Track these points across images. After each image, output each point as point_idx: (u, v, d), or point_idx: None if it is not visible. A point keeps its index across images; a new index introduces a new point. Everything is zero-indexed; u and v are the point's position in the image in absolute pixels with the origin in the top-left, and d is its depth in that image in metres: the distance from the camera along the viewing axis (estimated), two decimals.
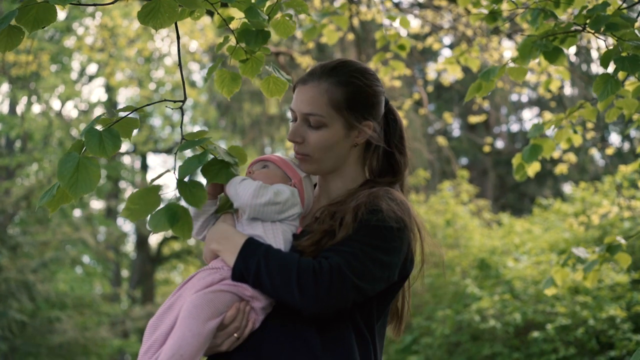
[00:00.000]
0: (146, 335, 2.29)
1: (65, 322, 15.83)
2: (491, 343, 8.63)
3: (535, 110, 21.84)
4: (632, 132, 18.69)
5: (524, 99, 21.38)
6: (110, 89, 21.60)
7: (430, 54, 19.08)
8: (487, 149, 13.10)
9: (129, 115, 2.25)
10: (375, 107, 2.54)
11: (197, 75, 22.81)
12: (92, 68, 21.49)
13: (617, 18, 3.23)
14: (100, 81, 21.83)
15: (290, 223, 2.42)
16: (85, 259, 22.80)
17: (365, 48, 12.33)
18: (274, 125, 18.70)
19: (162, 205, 2.06)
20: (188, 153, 2.27)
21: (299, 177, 2.49)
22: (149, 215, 2.03)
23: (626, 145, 19.41)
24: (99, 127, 2.14)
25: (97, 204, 23.24)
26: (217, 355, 2.33)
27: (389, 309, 2.54)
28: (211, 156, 2.22)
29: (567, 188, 21.03)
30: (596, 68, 15.88)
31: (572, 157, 8.55)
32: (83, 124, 19.90)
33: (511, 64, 3.73)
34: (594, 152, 17.41)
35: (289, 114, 2.66)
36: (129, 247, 25.87)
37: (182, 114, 2.27)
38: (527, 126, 22.70)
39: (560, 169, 8.29)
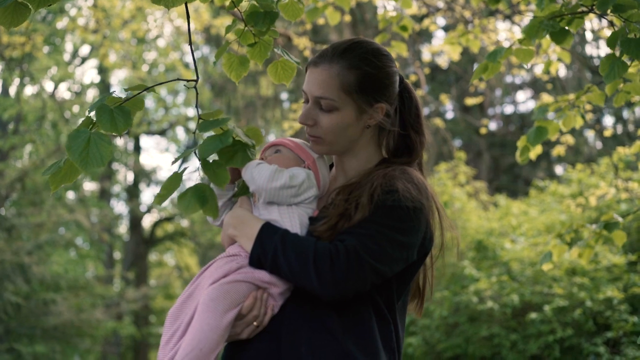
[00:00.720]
0: (167, 325, 2.30)
1: (60, 304, 15.84)
2: (489, 324, 8.65)
3: (530, 92, 21.85)
4: (625, 114, 18.72)
5: (518, 80, 21.37)
6: (103, 71, 21.49)
7: (426, 36, 19.04)
8: (483, 130, 13.11)
9: (136, 97, 2.23)
10: (388, 89, 2.52)
11: (190, 56, 22.74)
12: (84, 49, 21.40)
13: None
14: (93, 63, 21.74)
15: (306, 206, 2.41)
16: (79, 241, 22.79)
17: (362, 29, 12.30)
18: (268, 107, 18.65)
19: (184, 188, 2.06)
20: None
21: (312, 158, 2.49)
22: (178, 198, 2.03)
23: (619, 128, 19.44)
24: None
25: (90, 186, 23.18)
26: (237, 341, 2.33)
27: (410, 288, 2.53)
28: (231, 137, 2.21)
29: (560, 170, 21.08)
30: (590, 49, 15.88)
31: (569, 138, 8.55)
32: (76, 105, 19.82)
33: (517, 45, 3.72)
34: (589, 135, 17.45)
35: (300, 98, 2.63)
36: (122, 229, 25.85)
37: (197, 93, 2.25)
38: (522, 108, 22.73)
39: (558, 150, 8.29)
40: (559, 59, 4.89)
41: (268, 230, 2.30)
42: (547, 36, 3.57)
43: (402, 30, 4.87)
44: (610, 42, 3.12)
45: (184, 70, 16.79)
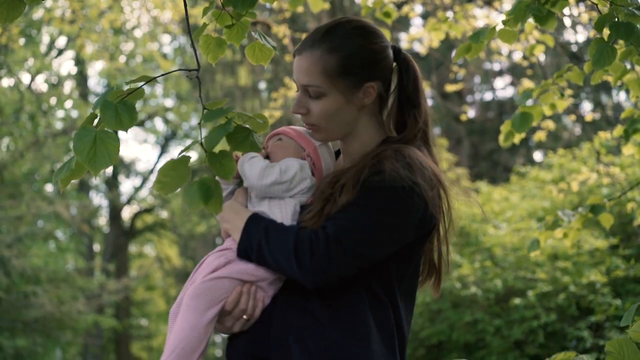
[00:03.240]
0: (169, 323, 2.30)
1: (41, 296, 15.76)
2: (472, 310, 8.69)
3: (508, 78, 21.90)
4: (604, 100, 18.82)
5: (497, 67, 21.42)
6: (80, 62, 21.34)
7: (404, 24, 19.03)
8: (464, 117, 13.11)
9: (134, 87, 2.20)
10: (376, 66, 2.44)
11: (168, 47, 22.62)
12: (61, 41, 21.23)
13: None
14: (70, 54, 21.58)
15: (301, 196, 2.39)
16: (58, 233, 22.65)
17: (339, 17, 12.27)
18: (247, 97, 18.58)
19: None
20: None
21: (314, 146, 2.46)
22: (183, 192, 2.00)
23: (597, 114, 19.53)
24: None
25: None
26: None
27: (418, 268, 2.48)
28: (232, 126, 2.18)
29: (539, 156, 21.18)
30: (568, 35, 15.92)
31: (550, 124, 8.58)
32: (53, 97, 19.67)
33: (501, 27, 3.70)
34: (568, 120, 17.52)
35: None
36: (102, 221, 25.72)
37: (200, 83, 2.21)
38: (500, 94, 22.78)
39: (539, 136, 8.30)
40: (542, 42, 4.88)
41: (253, 222, 2.29)
42: (531, 19, 3.55)
43: (385, 17, 4.85)
44: (598, 26, 3.10)
45: (162, 61, 16.69)
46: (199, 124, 2.10)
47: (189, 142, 24.78)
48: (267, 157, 2.43)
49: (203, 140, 2.04)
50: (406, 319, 2.43)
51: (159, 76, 2.21)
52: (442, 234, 2.48)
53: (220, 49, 2.74)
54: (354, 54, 2.40)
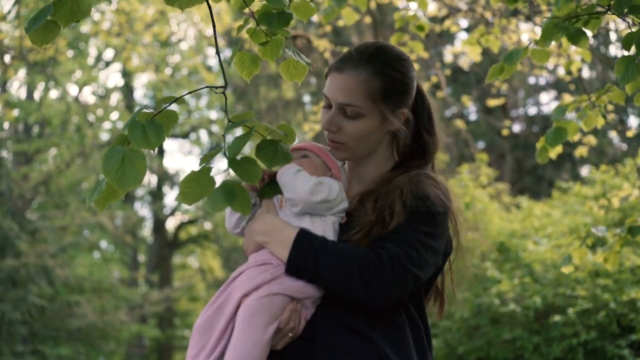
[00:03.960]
0: (194, 337, 2.29)
1: (84, 306, 15.95)
2: (511, 327, 8.61)
3: (553, 93, 21.70)
4: None
5: (542, 81, 21.23)
6: (126, 74, 21.61)
7: (447, 37, 18.98)
8: (505, 132, 13.03)
9: (170, 108, 2.23)
10: (410, 94, 2.53)
11: (213, 60, 22.80)
12: (108, 53, 21.52)
13: None
14: (117, 66, 21.85)
15: (337, 216, 2.41)
16: (103, 243, 22.91)
17: (383, 31, 12.28)
18: (290, 110, 18.67)
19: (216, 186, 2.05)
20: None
21: (337, 167, 2.48)
22: (207, 198, 2.02)
23: None
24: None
25: None
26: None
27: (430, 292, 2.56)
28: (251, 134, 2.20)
29: (585, 171, 20.92)
30: (614, 50, 15.75)
31: (592, 139, 8.49)
32: (100, 109, 19.95)
33: (533, 46, 3.69)
34: (613, 135, 17.31)
35: (316, 101, 2.61)
36: (146, 231, 25.95)
37: (225, 99, 2.24)
38: (545, 109, 22.54)
39: (580, 151, 8.22)
40: (582, 59, 4.85)
41: (306, 238, 2.29)
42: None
43: (419, 30, 4.86)
44: (626, 44, 3.09)
45: (206, 73, 16.87)
46: (223, 135, 2.12)
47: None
48: None
49: (226, 149, 2.06)
50: (431, 339, 2.49)
51: (185, 94, 2.23)
52: (453, 258, 2.58)
53: (255, 66, 2.76)
54: (396, 80, 2.47)
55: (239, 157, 2.09)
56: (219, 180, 2.07)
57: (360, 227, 2.33)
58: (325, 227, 2.35)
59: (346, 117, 2.44)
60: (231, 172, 2.07)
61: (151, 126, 2.07)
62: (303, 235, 2.29)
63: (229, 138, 2.09)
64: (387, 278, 2.20)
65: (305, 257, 2.25)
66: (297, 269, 2.27)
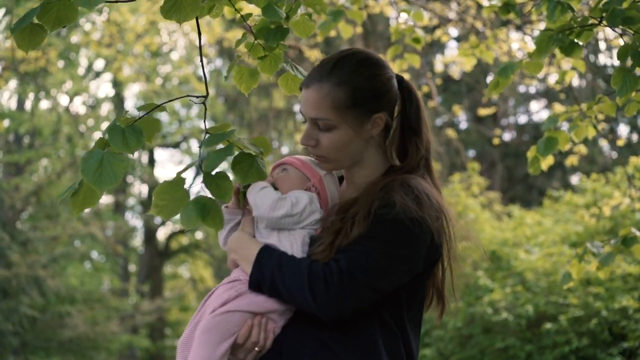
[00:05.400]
0: (179, 352, 2.33)
1: (76, 316, 15.91)
2: (503, 335, 8.63)
3: (543, 102, 21.78)
4: None
5: (532, 90, 21.31)
6: (117, 84, 21.61)
7: (437, 47, 19.04)
8: (496, 141, 13.10)
9: (151, 116, 2.25)
10: (384, 97, 2.49)
11: (202, 71, 22.79)
12: (99, 64, 21.52)
13: (633, 12, 3.22)
14: (107, 77, 21.86)
15: (310, 227, 2.41)
16: (94, 254, 22.85)
17: (374, 41, 12.32)
18: (281, 119, 18.68)
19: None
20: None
21: (319, 176, 2.48)
22: (180, 214, 2.04)
23: (635, 137, 19.36)
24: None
25: (105, 199, 23.25)
26: None
27: (424, 297, 2.53)
28: (235, 150, 2.23)
29: (576, 179, 20.99)
30: (604, 59, 15.84)
31: (582, 148, 8.54)
32: (91, 119, 19.94)
33: (526, 58, 3.72)
34: (603, 144, 17.37)
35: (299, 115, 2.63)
36: (137, 241, 25.91)
37: (205, 109, 2.27)
38: (535, 118, 22.63)
39: (571, 160, 8.27)
40: (574, 68, 4.89)
41: (265, 254, 2.32)
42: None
43: (414, 43, 4.89)
44: (621, 55, 3.13)
45: (197, 83, 16.86)
46: (200, 147, 2.15)
47: (224, 163, 24.91)
48: (273, 186, 2.44)
49: (202, 163, 2.09)
50: (415, 346, 2.47)
51: (164, 102, 2.27)
52: (447, 262, 2.53)
53: (254, 80, 2.79)
54: (362, 87, 2.44)
55: (213, 172, 2.12)
56: (192, 193, 2.10)
57: (323, 239, 2.35)
58: (293, 242, 2.36)
59: (320, 131, 2.44)
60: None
61: (131, 131, 2.13)
62: (263, 251, 2.32)
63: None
64: (336, 292, 2.20)
65: (264, 273, 2.28)
66: (258, 285, 2.31)
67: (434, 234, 2.36)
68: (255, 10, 3.06)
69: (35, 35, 2.22)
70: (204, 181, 2.08)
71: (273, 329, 2.33)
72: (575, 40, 3.43)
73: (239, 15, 2.74)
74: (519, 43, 9.04)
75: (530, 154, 4.33)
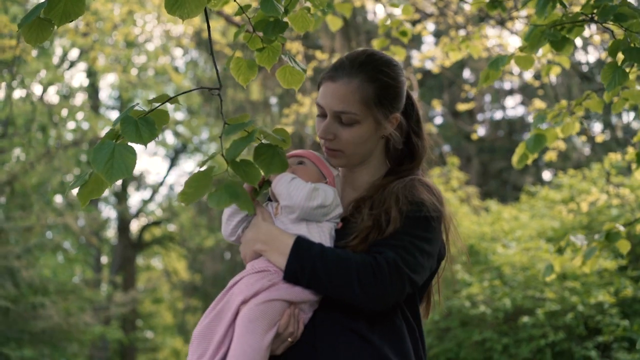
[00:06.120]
0: (194, 344, 2.31)
1: (49, 307, 15.78)
2: (480, 329, 8.69)
3: (518, 97, 21.90)
4: (613, 120, 18.78)
5: (507, 86, 21.43)
6: (91, 74, 21.43)
7: (416, 42, 19.09)
8: (474, 136, 13.17)
9: (161, 108, 2.25)
10: (402, 99, 2.58)
11: (180, 60, 22.71)
12: (73, 53, 21.33)
13: (624, 8, 3.26)
14: (82, 66, 21.67)
15: (333, 221, 2.44)
16: (66, 244, 22.67)
17: (353, 35, 12.33)
18: (258, 112, 18.64)
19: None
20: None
21: (333, 175, 2.52)
22: (208, 197, 2.04)
23: (607, 134, 19.53)
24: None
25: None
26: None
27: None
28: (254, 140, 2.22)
29: (548, 175, 21.15)
30: (579, 56, 15.97)
31: (561, 144, 8.61)
32: (65, 109, 19.75)
33: (518, 53, 3.75)
34: (577, 140, 17.52)
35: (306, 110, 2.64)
36: (110, 232, 25.75)
37: (221, 100, 2.27)
38: (510, 113, 22.77)
39: (550, 156, 8.33)
40: (558, 64, 4.93)
41: (303, 245, 2.33)
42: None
43: (401, 36, 4.91)
44: (612, 51, 3.16)
45: (174, 74, 16.79)
46: (220, 137, 2.15)
47: (199, 155, 24.85)
48: None
49: (224, 152, 2.09)
50: (424, 342, 2.53)
51: (179, 94, 2.26)
52: (445, 261, 2.63)
53: (252, 72, 2.78)
54: (388, 86, 2.52)
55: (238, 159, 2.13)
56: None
57: (357, 233, 2.37)
58: (322, 234, 2.38)
59: (341, 125, 2.49)
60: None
61: (144, 122, 2.12)
62: (300, 243, 2.33)
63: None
64: (385, 283, 2.23)
65: (303, 264, 2.29)
66: (295, 276, 2.30)
67: (444, 232, 2.49)
68: (253, 1, 3.07)
69: (43, 29, 2.21)
70: (232, 168, 2.08)
71: (303, 320, 2.34)
72: (567, 36, 3.46)
73: (237, 7, 2.73)
74: (496, 39, 9.09)
75: (519, 150, 4.37)
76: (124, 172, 2.04)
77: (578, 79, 15.28)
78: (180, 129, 24.36)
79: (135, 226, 25.40)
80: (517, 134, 21.88)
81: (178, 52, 19.70)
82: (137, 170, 26.29)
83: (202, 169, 2.09)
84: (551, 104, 11.00)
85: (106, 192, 24.15)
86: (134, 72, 19.99)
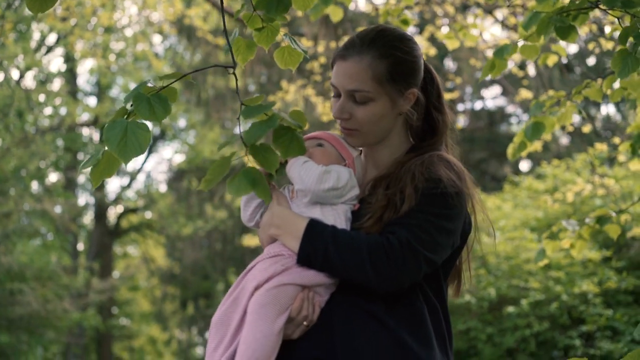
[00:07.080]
0: (212, 332, 2.28)
1: (28, 294, 15.68)
2: (465, 318, 8.73)
3: (497, 89, 21.96)
4: (592, 111, 18.90)
5: (487, 76, 21.44)
6: (69, 60, 21.23)
7: None
8: (458, 126, 13.16)
9: (171, 86, 2.22)
10: (418, 73, 2.52)
11: (159, 47, 22.57)
12: (51, 38, 21.13)
13: None
14: (59, 51, 21.46)
15: (349, 203, 2.41)
16: (43, 231, 22.49)
17: (341, 23, 12.27)
18: (237, 99, 18.57)
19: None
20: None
21: (352, 157, 2.48)
22: (228, 183, 2.02)
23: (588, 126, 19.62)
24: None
25: (55, 176, 22.87)
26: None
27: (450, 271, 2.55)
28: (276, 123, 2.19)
29: (525, 166, 21.28)
30: (565, 44, 16.01)
31: (546, 135, 8.63)
32: (42, 94, 19.56)
33: (521, 42, 3.72)
34: (557, 132, 17.60)
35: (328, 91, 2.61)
36: (87, 219, 25.57)
37: (236, 79, 2.24)
38: (489, 104, 22.83)
39: (535, 146, 8.35)
40: (556, 52, 4.92)
41: (316, 228, 2.29)
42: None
43: (403, 24, 4.89)
44: (622, 38, 3.14)
45: (154, 60, 16.67)
46: (238, 119, 2.12)
47: (177, 143, 24.72)
48: None
49: (242, 135, 2.06)
50: (449, 320, 2.50)
51: (191, 72, 2.23)
52: (472, 239, 2.57)
53: (250, 51, 2.74)
54: (401, 61, 2.46)
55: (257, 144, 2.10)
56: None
57: (371, 213, 2.34)
58: (337, 216, 2.35)
59: (356, 103, 2.45)
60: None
61: (157, 99, 2.08)
62: (313, 226, 2.30)
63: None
64: (398, 264, 2.20)
65: (316, 247, 2.26)
66: (308, 260, 2.28)
67: (466, 208, 2.41)
68: None
69: None
70: (251, 152, 2.05)
71: (319, 303, 2.31)
72: (573, 24, 3.44)
73: None
74: (478, 29, 9.08)
75: (517, 139, 4.36)
76: (137, 150, 2.01)
77: (558, 70, 15.36)
78: None
79: (112, 213, 25.25)
80: (497, 125, 21.98)
81: (157, 38, 19.57)
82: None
83: (225, 156, 2.07)
84: (537, 95, 11.04)
85: (83, 179, 24.01)
86: (112, 57, 19.83)
